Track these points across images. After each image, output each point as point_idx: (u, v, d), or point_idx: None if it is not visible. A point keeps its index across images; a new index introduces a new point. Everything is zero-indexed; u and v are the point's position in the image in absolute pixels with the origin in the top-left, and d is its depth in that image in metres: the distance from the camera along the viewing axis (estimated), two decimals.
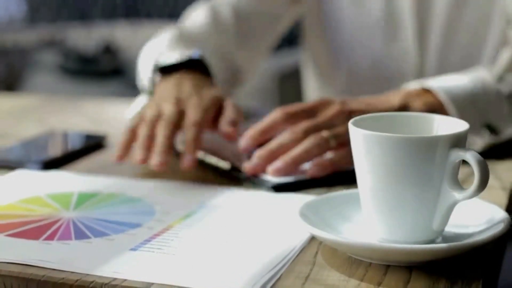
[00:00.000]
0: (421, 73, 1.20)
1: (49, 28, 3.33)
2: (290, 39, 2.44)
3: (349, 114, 0.87)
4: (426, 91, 0.93)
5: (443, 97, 0.91)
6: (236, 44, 1.21)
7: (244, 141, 0.87)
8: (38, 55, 3.14)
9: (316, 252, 0.65)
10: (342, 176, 0.83)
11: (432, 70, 1.20)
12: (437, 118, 0.66)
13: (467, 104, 0.91)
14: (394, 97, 0.91)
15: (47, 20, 3.47)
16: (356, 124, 0.64)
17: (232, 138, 0.90)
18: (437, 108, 0.90)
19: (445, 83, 0.93)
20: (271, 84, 2.71)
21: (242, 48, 1.22)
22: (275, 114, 0.87)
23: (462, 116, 0.88)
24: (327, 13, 1.26)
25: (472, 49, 1.19)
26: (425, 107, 0.89)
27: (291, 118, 0.87)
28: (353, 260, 0.63)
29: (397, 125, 0.66)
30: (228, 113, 0.92)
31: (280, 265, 0.62)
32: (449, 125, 0.65)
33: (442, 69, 1.19)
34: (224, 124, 0.91)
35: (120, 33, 3.21)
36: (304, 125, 0.85)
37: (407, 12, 1.19)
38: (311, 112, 0.88)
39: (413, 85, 0.95)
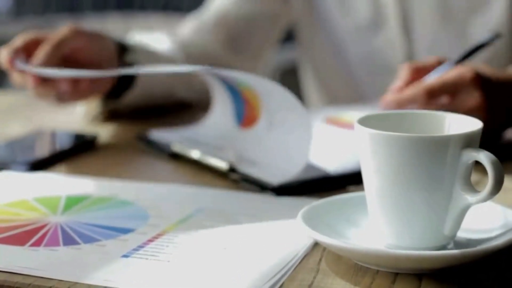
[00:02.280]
0: None
1: (36, 21, 3.33)
2: (290, 34, 2.45)
3: (490, 110, 0.90)
4: None
5: None
6: (223, 50, 1.29)
7: (382, 104, 0.93)
8: None
9: (320, 259, 0.65)
10: (348, 178, 0.83)
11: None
12: (449, 116, 0.66)
13: None
14: None
15: (34, 12, 3.47)
16: (362, 123, 0.63)
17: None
18: None
19: None
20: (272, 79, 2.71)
21: (231, 53, 1.29)
22: (417, 91, 0.91)
23: None
24: (317, 14, 1.32)
25: (463, 38, 1.22)
26: None
27: (432, 97, 0.91)
28: (359, 267, 0.63)
29: (406, 124, 0.66)
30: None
31: (282, 272, 0.62)
32: (461, 124, 0.65)
33: None
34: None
35: (112, 26, 3.21)
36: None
37: (391, 3, 1.24)
38: (451, 91, 0.91)
39: None
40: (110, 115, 1.14)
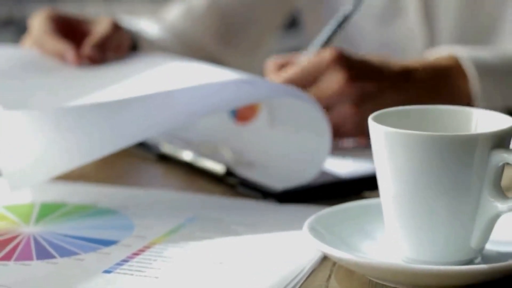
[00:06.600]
0: None
1: (6, 5, 3.34)
2: (294, 20, 2.46)
3: (360, 94, 0.91)
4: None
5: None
6: (214, 40, 1.30)
7: None
8: None
9: (329, 275, 0.65)
10: (360, 182, 0.83)
11: None
12: (476, 112, 0.66)
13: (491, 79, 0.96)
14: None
15: None
16: (377, 120, 0.63)
17: (94, 62, 0.97)
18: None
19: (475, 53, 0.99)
20: None
21: (223, 45, 1.30)
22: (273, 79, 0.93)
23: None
24: (326, 3, 1.33)
25: (491, 27, 1.23)
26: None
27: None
28: (374, 284, 0.63)
29: (428, 121, 0.66)
30: (95, 33, 0.99)
31: None
32: (490, 121, 0.65)
33: None
34: (87, 45, 0.97)
35: (91, 11, 3.21)
36: None
37: None
38: (313, 77, 0.92)
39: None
40: None
